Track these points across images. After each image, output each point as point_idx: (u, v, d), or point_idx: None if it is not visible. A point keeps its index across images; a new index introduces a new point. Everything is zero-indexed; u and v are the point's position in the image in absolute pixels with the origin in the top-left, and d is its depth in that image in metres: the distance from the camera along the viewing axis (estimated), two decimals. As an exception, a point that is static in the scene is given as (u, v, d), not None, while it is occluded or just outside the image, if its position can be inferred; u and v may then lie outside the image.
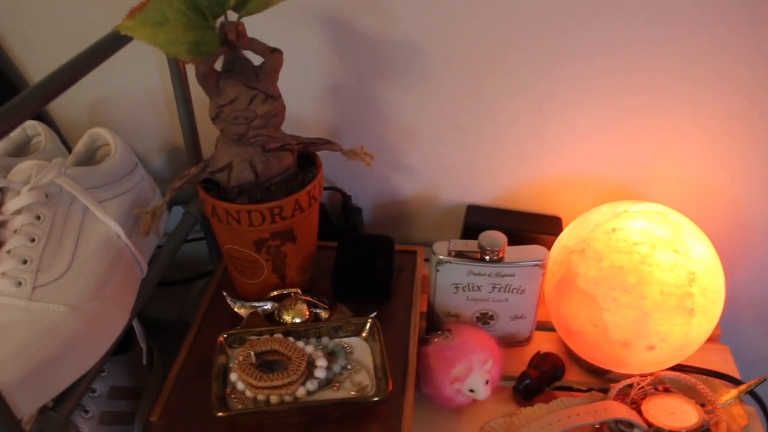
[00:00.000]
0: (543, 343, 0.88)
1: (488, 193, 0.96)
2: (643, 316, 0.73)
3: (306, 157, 0.79)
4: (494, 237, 0.79)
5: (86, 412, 0.84)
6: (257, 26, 0.68)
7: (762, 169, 0.87)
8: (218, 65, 0.68)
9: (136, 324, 0.85)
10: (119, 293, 0.71)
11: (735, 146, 0.86)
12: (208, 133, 0.81)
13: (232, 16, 0.65)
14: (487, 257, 0.78)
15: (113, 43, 0.66)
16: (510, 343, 0.87)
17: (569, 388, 0.84)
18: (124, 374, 0.89)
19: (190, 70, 0.67)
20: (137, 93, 0.95)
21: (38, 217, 0.68)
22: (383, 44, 0.84)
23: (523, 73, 0.84)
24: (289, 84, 0.76)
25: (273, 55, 0.68)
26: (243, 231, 0.73)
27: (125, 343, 0.91)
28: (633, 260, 0.74)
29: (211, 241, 0.96)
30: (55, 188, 0.71)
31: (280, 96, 0.71)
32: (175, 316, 1.08)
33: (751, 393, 0.83)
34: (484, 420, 0.78)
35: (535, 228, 0.94)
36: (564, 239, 0.83)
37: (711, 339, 0.89)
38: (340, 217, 0.99)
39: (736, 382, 0.83)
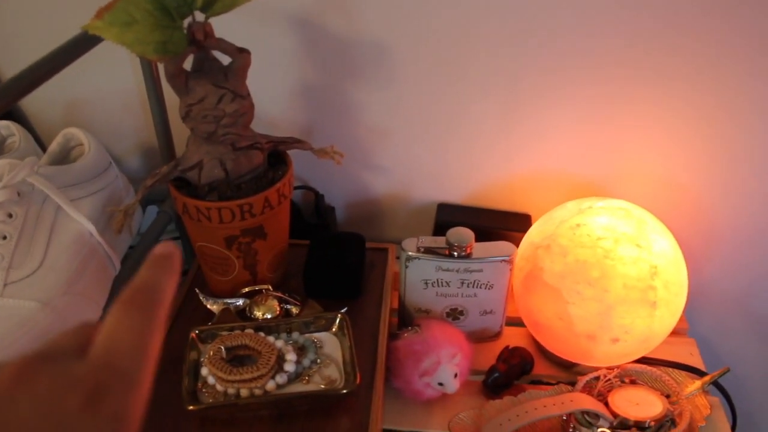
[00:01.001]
0: (513, 339, 0.90)
1: (459, 192, 0.98)
2: (607, 309, 0.75)
3: (276, 156, 0.80)
4: (461, 233, 0.80)
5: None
6: (228, 27, 0.70)
7: (725, 168, 0.89)
8: (188, 65, 0.69)
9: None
10: (91, 290, 0.72)
11: (699, 146, 0.88)
12: (181, 133, 0.82)
13: (200, 16, 0.66)
14: (455, 253, 0.80)
15: (84, 42, 0.68)
16: (480, 338, 0.89)
17: (538, 382, 0.85)
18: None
19: (164, 70, 0.68)
20: (112, 94, 0.96)
21: (10, 215, 0.69)
22: (353, 45, 0.86)
23: (491, 73, 0.85)
24: (261, 85, 0.77)
25: (241, 55, 0.69)
26: (214, 228, 0.74)
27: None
28: (596, 255, 0.76)
29: (186, 241, 0.97)
30: (28, 187, 0.72)
31: (248, 95, 0.72)
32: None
33: (716, 384, 0.85)
34: (454, 413, 0.79)
35: (505, 225, 0.95)
36: (531, 235, 0.85)
37: (677, 333, 0.91)
38: (313, 216, 1.00)
39: (700, 374, 0.84)
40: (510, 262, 0.81)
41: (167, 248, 0.37)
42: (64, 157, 0.84)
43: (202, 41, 0.66)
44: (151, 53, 0.62)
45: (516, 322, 0.91)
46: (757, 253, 0.97)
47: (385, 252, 0.90)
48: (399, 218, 1.03)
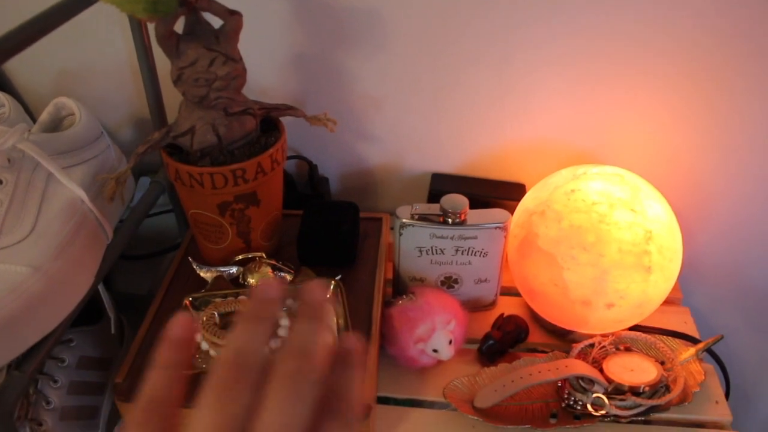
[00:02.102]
0: (508, 308, 0.90)
1: (453, 161, 0.97)
2: (602, 273, 0.75)
3: (269, 123, 0.79)
4: (456, 200, 0.80)
5: (55, 381, 0.84)
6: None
7: (719, 136, 0.89)
8: (180, 29, 0.69)
9: (103, 293, 0.85)
10: (83, 256, 0.71)
11: (693, 115, 0.88)
12: (173, 104, 0.81)
13: (191, -23, 0.65)
14: (450, 220, 0.79)
15: (74, 4, 0.66)
16: (475, 307, 0.88)
17: (533, 350, 0.85)
18: (93, 345, 0.90)
19: (154, 32, 0.67)
20: (102, 65, 0.95)
21: (0, 182, 0.69)
22: (345, 12, 0.85)
23: (482, 40, 0.85)
24: (252, 53, 0.77)
25: (232, 17, 0.68)
26: (206, 194, 0.73)
27: (95, 315, 0.92)
28: (591, 219, 0.75)
29: (179, 213, 0.97)
30: (18, 153, 0.71)
31: (240, 59, 0.71)
32: (146, 290, 1.09)
33: (710, 351, 0.85)
34: (449, 380, 0.79)
35: (499, 194, 0.95)
36: (525, 202, 0.84)
37: (672, 302, 0.91)
38: (307, 187, 0.99)
39: (694, 341, 0.84)
40: (504, 229, 0.80)
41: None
42: (55, 127, 0.84)
43: (192, 2, 0.65)
44: (141, 12, 0.61)
45: (511, 292, 0.91)
46: (752, 223, 0.97)
47: (379, 222, 0.90)
48: (393, 189, 1.02)
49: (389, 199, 1.04)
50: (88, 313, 0.91)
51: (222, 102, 0.71)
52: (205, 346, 0.68)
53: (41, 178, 0.72)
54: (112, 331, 0.90)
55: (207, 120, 0.72)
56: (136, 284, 1.09)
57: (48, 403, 0.83)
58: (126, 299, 1.02)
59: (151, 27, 0.68)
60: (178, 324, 0.37)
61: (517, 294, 0.89)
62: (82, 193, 0.74)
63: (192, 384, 0.60)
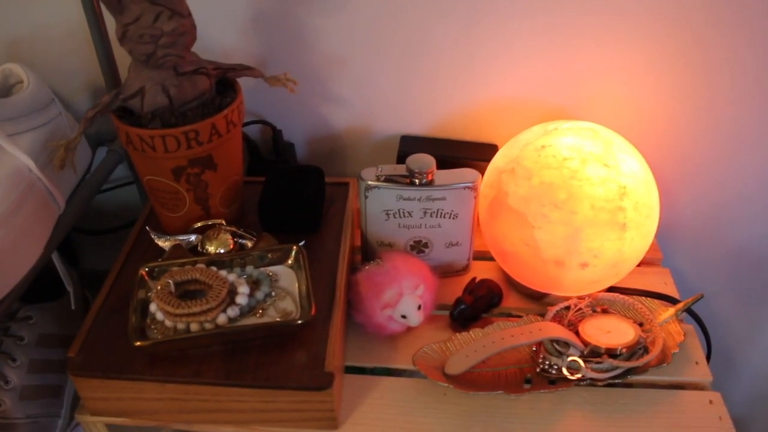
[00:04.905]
0: (482, 272, 0.87)
1: (422, 122, 0.94)
2: (575, 232, 0.72)
3: (227, 85, 0.76)
4: (422, 159, 0.77)
5: (13, 360, 0.82)
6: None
7: (694, 92, 0.86)
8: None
9: (60, 266, 0.82)
10: (30, 226, 0.68)
11: (670, 68, 0.85)
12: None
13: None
14: (417, 181, 0.76)
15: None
16: (447, 272, 0.86)
17: (507, 315, 0.83)
18: (54, 322, 0.87)
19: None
20: (56, 31, 0.91)
21: (-61, 149, 0.65)
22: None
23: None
24: (211, 14, 0.74)
25: (177, -32, 0.65)
26: (159, 158, 0.70)
27: (56, 291, 0.89)
28: (563, 176, 0.72)
29: (140, 184, 0.93)
30: (-42, 120, 0.68)
31: (189, 14, 0.67)
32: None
33: (690, 312, 0.82)
34: (419, 347, 0.76)
35: (471, 155, 0.91)
36: (495, 161, 0.81)
37: (652, 262, 0.89)
38: (272, 153, 0.96)
39: (674, 302, 0.82)
40: (474, 189, 0.77)
41: None
42: (4, 94, 0.80)
43: (132, -48, 0.62)
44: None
45: (485, 257, 0.88)
46: (733, 183, 0.94)
47: (345, 186, 0.87)
48: (361, 153, 0.99)
49: (358, 164, 1.00)
50: (48, 289, 0.88)
51: (170, 60, 0.67)
52: (160, 316, 0.65)
53: (-16, 145, 0.69)
54: (72, 306, 0.87)
55: (157, 80, 0.68)
56: (103, 260, 1.06)
57: (6, 382, 0.80)
58: (93, 275, 0.99)
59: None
60: None
61: (492, 258, 0.86)
62: (29, 161, 0.71)
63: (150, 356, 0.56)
